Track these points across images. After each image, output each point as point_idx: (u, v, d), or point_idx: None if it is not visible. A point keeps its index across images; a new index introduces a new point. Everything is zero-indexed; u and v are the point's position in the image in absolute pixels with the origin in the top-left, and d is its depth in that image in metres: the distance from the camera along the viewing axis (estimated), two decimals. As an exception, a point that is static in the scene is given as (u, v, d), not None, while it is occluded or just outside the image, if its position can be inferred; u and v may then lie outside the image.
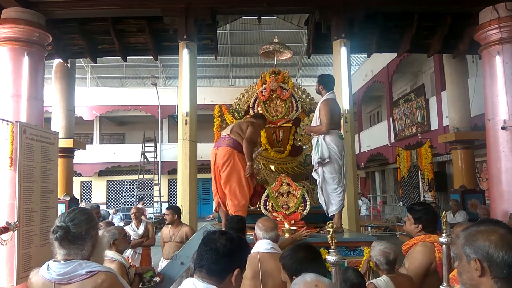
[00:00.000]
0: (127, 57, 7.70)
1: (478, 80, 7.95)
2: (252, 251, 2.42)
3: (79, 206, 9.58)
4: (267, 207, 4.42)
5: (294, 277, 1.83)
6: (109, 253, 3.17)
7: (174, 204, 6.37)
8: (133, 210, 6.01)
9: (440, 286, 2.01)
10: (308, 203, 4.41)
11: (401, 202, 14.51)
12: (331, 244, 1.60)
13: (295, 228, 4.14)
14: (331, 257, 1.54)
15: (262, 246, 2.57)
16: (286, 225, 4.17)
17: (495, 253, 1.26)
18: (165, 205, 18.65)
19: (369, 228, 12.41)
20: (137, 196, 16.19)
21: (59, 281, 1.69)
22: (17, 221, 4.19)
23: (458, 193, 8.54)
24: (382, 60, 13.46)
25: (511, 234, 1.33)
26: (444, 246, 2.03)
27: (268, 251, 2.53)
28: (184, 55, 6.02)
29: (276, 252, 2.57)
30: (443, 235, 2.05)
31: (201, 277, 1.51)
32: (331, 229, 1.62)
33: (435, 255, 2.55)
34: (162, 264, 4.84)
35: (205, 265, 1.51)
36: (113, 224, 4.46)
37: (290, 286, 1.85)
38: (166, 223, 5.12)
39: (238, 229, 3.06)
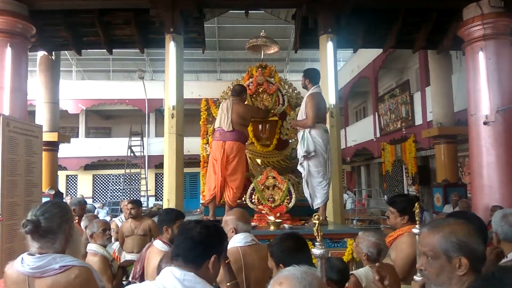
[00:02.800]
0: (113, 50, 7.62)
1: (461, 75, 8.08)
2: (232, 245, 2.40)
3: (64, 200, 9.48)
4: (253, 200, 4.46)
5: (281, 265, 1.85)
6: (93, 246, 3.14)
7: (136, 198, 6.25)
8: (124, 203, 5.95)
9: (414, 276, 2.06)
10: (294, 196, 4.46)
11: (385, 196, 14.70)
12: (317, 236, 1.51)
13: (280, 220, 4.19)
14: (317, 250, 1.46)
15: (242, 240, 2.53)
16: (272, 218, 4.21)
17: (478, 248, 1.21)
18: (152, 200, 18.57)
19: (354, 221, 12.55)
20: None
21: (32, 275, 1.68)
22: (0, 214, 4.15)
23: (441, 187, 8.70)
24: (368, 56, 13.54)
25: (475, 225, 1.30)
26: (417, 236, 2.05)
27: (249, 243, 2.51)
28: (171, 48, 5.98)
29: (256, 243, 2.57)
30: (416, 226, 2.12)
31: (178, 265, 1.51)
32: (317, 221, 1.55)
33: None
34: (124, 258, 4.70)
35: (181, 253, 1.51)
36: (97, 217, 4.38)
37: (276, 273, 1.88)
38: (132, 216, 4.90)
39: (170, 220, 2.83)
